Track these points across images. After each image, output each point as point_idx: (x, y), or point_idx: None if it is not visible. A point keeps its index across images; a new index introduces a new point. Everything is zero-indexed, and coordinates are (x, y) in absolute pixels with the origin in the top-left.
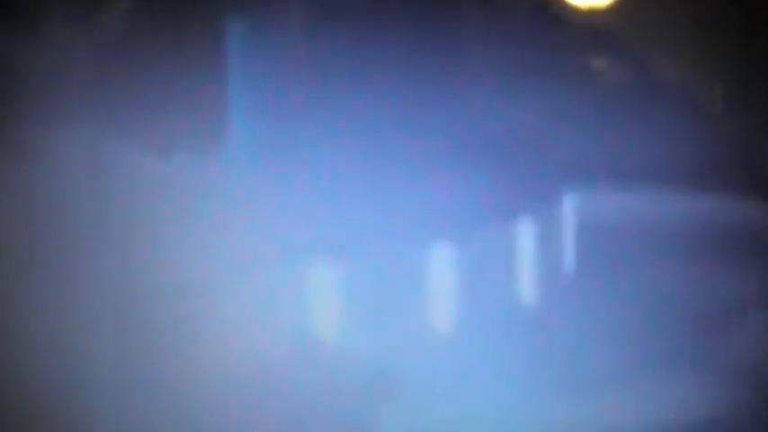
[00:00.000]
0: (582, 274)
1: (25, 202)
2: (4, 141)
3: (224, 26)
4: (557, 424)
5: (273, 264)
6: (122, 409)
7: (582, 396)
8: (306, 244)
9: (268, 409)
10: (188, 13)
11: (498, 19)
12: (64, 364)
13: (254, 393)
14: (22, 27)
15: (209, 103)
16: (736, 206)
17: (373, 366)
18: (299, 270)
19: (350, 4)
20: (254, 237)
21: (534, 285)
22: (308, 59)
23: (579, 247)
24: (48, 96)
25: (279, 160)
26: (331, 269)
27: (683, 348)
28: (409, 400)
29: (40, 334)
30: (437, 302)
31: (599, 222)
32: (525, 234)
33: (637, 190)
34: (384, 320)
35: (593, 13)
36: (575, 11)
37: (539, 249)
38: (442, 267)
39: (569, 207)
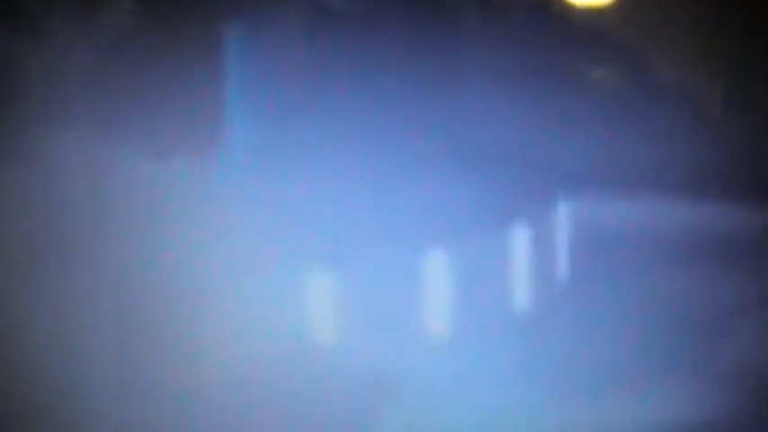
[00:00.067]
0: (579, 277)
1: (25, 203)
2: (4, 142)
3: (223, 28)
4: (555, 428)
5: (272, 265)
6: (122, 409)
7: (580, 400)
8: (304, 246)
9: (267, 410)
10: (187, 16)
11: (497, 21)
12: (64, 364)
13: (254, 394)
14: (22, 27)
15: (209, 106)
16: (736, 208)
17: (371, 369)
18: (298, 272)
19: (348, 7)
20: (252, 239)
21: (533, 289)
22: (306, 62)
23: (577, 251)
24: (47, 97)
25: (277, 163)
26: (329, 271)
27: (681, 352)
28: (407, 402)
29: (40, 334)
30: (435, 305)
31: (597, 225)
32: (524, 238)
33: (636, 191)
34: (382, 323)
35: (592, 14)
36: (574, 11)
37: (537, 253)
38: (440, 271)
39: (567, 210)
